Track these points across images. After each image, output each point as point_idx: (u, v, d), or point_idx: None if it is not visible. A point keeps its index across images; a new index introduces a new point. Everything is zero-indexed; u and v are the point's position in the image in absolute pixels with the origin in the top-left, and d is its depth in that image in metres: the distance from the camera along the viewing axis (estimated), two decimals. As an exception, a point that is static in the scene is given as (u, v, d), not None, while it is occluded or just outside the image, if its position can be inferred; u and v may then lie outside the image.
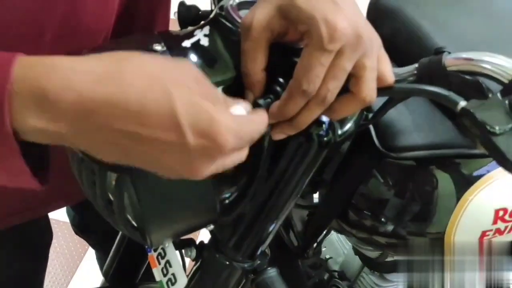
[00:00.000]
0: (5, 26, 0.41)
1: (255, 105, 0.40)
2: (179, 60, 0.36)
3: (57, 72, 0.30)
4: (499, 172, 0.54)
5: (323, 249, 0.93)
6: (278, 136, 0.41)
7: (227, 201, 0.48)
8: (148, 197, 0.41)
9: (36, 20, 0.43)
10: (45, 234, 0.80)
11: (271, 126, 0.40)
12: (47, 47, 0.45)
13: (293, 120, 0.40)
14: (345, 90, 0.39)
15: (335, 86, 0.38)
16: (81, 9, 0.45)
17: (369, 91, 0.39)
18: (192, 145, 0.31)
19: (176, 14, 0.54)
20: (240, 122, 0.35)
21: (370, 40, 0.39)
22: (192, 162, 0.33)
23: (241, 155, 0.36)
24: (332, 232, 0.89)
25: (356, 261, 0.86)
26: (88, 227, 0.94)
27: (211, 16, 0.46)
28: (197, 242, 0.61)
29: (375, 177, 0.58)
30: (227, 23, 0.43)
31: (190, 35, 0.44)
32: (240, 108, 0.37)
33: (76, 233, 0.98)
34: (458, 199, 0.55)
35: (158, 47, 0.42)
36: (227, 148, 0.32)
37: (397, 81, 0.46)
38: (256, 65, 0.40)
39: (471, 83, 0.41)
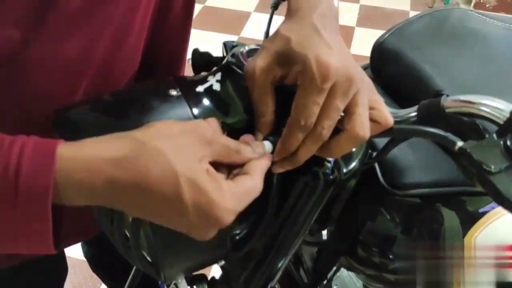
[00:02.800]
0: (50, 72, 0.47)
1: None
2: (193, 125, 0.39)
3: (88, 163, 0.36)
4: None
5: (334, 287, 0.92)
6: (278, 170, 0.43)
7: (237, 238, 0.49)
8: (163, 234, 0.42)
9: (77, 67, 0.48)
10: (60, 269, 0.81)
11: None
12: (81, 92, 0.50)
13: (292, 156, 0.42)
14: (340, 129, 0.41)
15: (329, 125, 0.40)
16: (118, 57, 0.51)
17: (362, 127, 0.40)
18: (196, 224, 0.37)
19: (190, 60, 0.57)
20: (239, 196, 0.38)
21: (361, 81, 0.41)
22: (196, 230, 0.38)
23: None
24: (343, 269, 0.89)
25: (367, 299, 0.86)
26: (102, 263, 0.95)
27: (223, 63, 0.49)
28: (209, 278, 0.62)
29: (382, 214, 0.59)
30: (238, 70, 0.46)
31: (204, 80, 0.47)
32: (268, 143, 0.42)
33: (93, 269, 0.99)
34: (464, 235, 0.56)
35: (173, 92, 0.46)
36: (227, 223, 0.37)
37: (398, 122, 0.48)
38: (268, 108, 0.43)
39: (468, 124, 0.43)
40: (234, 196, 0.37)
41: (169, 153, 0.36)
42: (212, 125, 0.40)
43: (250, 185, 0.39)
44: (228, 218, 0.37)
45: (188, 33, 0.64)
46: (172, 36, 0.61)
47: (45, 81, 0.47)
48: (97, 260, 0.96)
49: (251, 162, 0.40)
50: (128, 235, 0.44)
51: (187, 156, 0.36)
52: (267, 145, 0.42)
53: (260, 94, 0.42)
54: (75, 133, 0.43)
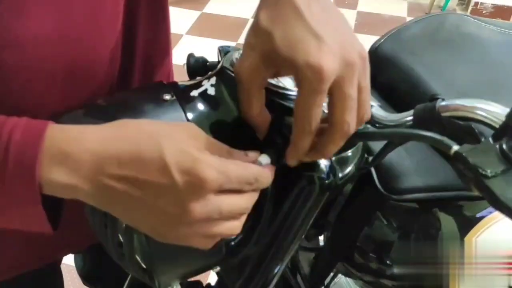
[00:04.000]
0: (23, 66, 0.45)
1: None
2: (182, 124, 0.40)
3: (76, 139, 0.37)
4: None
5: (332, 293, 0.92)
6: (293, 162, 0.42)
7: (233, 243, 0.49)
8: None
9: (50, 48, 0.45)
10: (55, 281, 0.80)
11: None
12: (60, 80, 0.48)
13: (318, 151, 0.40)
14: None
15: (352, 116, 0.38)
16: (95, 35, 0.48)
17: (365, 111, 0.39)
18: (180, 184, 0.35)
19: (185, 65, 0.57)
20: (226, 162, 0.37)
21: (362, 59, 0.39)
22: (184, 202, 0.35)
23: (242, 200, 0.38)
24: (341, 275, 0.89)
25: (365, 306, 0.85)
26: (94, 275, 0.94)
27: (218, 67, 0.49)
28: (205, 285, 0.62)
29: (379, 219, 0.59)
30: (232, 74, 0.46)
31: (198, 85, 0.47)
32: (265, 157, 0.41)
33: (84, 282, 0.97)
34: (461, 240, 0.55)
35: (167, 96, 0.45)
36: (211, 182, 0.35)
37: (394, 126, 0.48)
38: (252, 109, 0.41)
39: (464, 128, 0.42)
40: (222, 160, 0.37)
41: (151, 127, 0.37)
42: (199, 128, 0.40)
43: (244, 164, 0.38)
44: (212, 174, 0.35)
45: (166, 21, 0.62)
46: (148, 23, 0.58)
47: (18, 68, 0.44)
48: (90, 275, 0.95)
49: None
50: (122, 241, 0.43)
51: (174, 131, 0.37)
52: (264, 159, 0.41)
53: (244, 96, 0.41)
54: None
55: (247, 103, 0.41)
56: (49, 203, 0.38)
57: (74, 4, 0.44)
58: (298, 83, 0.37)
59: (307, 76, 0.36)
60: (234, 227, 0.39)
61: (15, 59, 0.43)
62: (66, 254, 0.71)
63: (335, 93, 0.38)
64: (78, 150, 0.36)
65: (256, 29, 0.39)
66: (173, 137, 0.36)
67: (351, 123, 0.38)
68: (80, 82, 0.49)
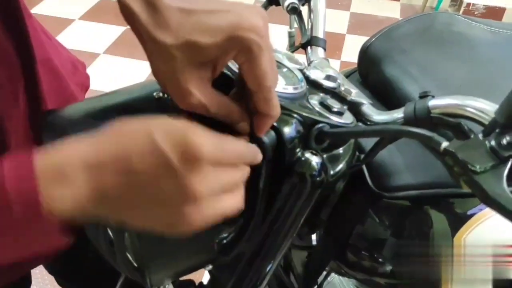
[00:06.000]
0: None
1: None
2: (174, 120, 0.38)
3: (65, 150, 0.36)
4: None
5: (325, 292, 0.92)
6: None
7: (224, 241, 0.49)
8: (148, 237, 0.42)
9: None
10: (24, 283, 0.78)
11: (265, 162, 0.42)
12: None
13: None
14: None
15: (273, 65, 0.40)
16: None
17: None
18: (176, 164, 0.34)
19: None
20: (219, 136, 0.36)
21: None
22: (184, 180, 0.34)
23: (238, 173, 0.38)
24: (334, 275, 0.89)
25: (358, 304, 0.85)
26: (71, 274, 0.90)
27: None
28: (197, 283, 0.62)
29: (371, 217, 0.59)
30: (228, 73, 0.46)
31: None
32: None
33: (59, 283, 0.92)
34: (453, 237, 0.56)
35: (159, 94, 0.45)
36: (206, 154, 0.34)
37: (385, 124, 0.48)
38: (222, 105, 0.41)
39: (454, 125, 0.43)
40: (214, 134, 0.36)
41: (137, 121, 0.36)
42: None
43: (229, 138, 0.38)
44: (206, 145, 0.34)
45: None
46: None
47: None
48: (64, 273, 0.92)
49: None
50: (113, 240, 0.43)
51: (158, 119, 0.36)
52: None
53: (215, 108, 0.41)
54: (61, 135, 0.43)
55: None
56: None
57: None
58: (241, 53, 0.38)
59: (250, 38, 0.37)
60: (237, 200, 0.39)
61: None
62: (40, 264, 0.69)
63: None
64: (69, 163, 0.35)
65: (164, 49, 0.38)
66: (162, 124, 0.35)
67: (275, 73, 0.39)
68: None
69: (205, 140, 0.35)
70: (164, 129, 0.34)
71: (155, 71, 0.40)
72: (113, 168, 0.35)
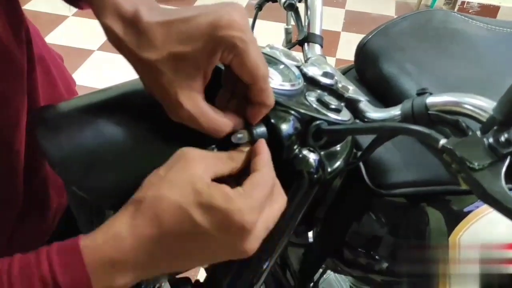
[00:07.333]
0: None
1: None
2: (176, 156, 0.39)
3: (113, 246, 0.37)
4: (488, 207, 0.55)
5: (321, 289, 0.92)
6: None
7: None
8: None
9: None
10: None
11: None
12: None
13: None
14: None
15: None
16: None
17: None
18: (229, 241, 0.37)
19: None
20: (249, 193, 0.37)
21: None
22: (240, 248, 0.38)
23: (276, 205, 0.40)
24: (330, 273, 0.89)
25: (354, 301, 0.85)
26: None
27: None
28: (193, 281, 0.61)
29: (368, 215, 0.59)
30: None
31: None
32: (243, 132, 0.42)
33: None
34: (449, 235, 0.56)
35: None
36: (251, 222, 0.36)
37: (383, 121, 0.48)
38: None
39: (452, 122, 0.43)
40: (243, 196, 0.37)
41: (166, 193, 0.36)
42: (195, 150, 0.39)
43: (257, 178, 0.38)
44: (249, 217, 0.36)
45: None
46: None
47: None
48: None
49: (254, 160, 0.40)
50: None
51: (183, 185, 0.36)
52: (241, 134, 0.42)
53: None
54: (55, 130, 0.42)
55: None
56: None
57: None
58: (227, 51, 0.38)
59: (232, 35, 0.37)
60: (280, 204, 0.41)
61: None
62: None
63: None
64: (117, 248, 0.36)
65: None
66: (188, 194, 0.36)
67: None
68: None
69: (242, 205, 0.36)
70: (200, 207, 0.36)
71: (147, 88, 0.41)
72: (159, 254, 0.37)
